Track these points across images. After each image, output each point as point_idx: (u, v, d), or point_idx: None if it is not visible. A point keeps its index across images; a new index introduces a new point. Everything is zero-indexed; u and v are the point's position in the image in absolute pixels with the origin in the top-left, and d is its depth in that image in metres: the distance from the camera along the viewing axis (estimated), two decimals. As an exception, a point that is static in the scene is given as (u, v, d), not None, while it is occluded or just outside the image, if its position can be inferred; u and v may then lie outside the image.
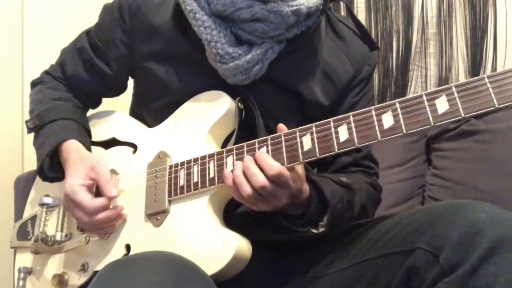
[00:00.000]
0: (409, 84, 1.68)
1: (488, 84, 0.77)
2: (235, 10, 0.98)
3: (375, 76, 1.70)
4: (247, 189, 0.88)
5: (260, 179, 0.87)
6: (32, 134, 1.16)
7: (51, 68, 1.25)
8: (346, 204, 0.99)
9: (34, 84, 1.25)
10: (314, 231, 0.96)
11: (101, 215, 1.01)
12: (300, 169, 0.92)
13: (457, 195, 1.45)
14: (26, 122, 1.16)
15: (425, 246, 0.81)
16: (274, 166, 0.87)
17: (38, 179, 1.25)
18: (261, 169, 0.88)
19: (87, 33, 1.20)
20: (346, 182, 1.02)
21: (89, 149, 1.12)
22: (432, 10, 1.66)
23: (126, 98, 1.25)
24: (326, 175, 1.04)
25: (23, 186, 1.43)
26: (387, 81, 1.70)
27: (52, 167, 1.12)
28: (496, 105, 0.76)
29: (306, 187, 0.94)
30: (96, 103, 1.25)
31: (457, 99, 0.79)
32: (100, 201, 1.01)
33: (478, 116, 1.46)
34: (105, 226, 1.03)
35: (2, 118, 1.67)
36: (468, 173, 1.45)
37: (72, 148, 1.09)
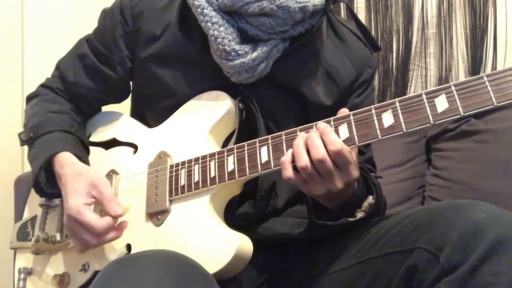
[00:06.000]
0: (409, 84, 1.68)
1: (487, 83, 0.77)
2: (243, 4, 0.98)
3: (375, 76, 1.70)
4: (304, 159, 0.85)
5: (321, 152, 0.84)
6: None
7: (48, 81, 1.22)
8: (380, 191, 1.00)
9: (29, 98, 1.22)
10: (351, 219, 0.95)
11: (110, 235, 0.98)
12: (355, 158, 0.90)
13: (457, 195, 1.44)
14: (19, 134, 1.12)
15: (426, 246, 0.81)
16: (337, 143, 0.84)
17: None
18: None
19: (87, 40, 1.18)
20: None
21: (85, 163, 1.08)
22: (432, 10, 1.66)
23: (125, 101, 1.24)
24: None
25: (23, 186, 1.43)
26: (387, 81, 1.70)
27: (48, 181, 1.08)
28: (495, 104, 0.77)
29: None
30: (97, 112, 1.22)
31: (457, 98, 0.79)
32: (108, 220, 0.97)
33: (478, 115, 1.48)
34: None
35: (2, 119, 1.67)
36: (468, 173, 1.45)
37: (66, 162, 1.04)
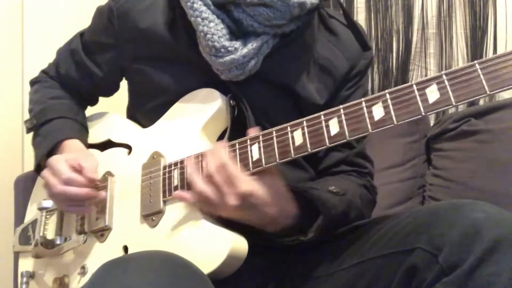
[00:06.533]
0: (409, 84, 1.68)
1: (479, 70, 0.76)
2: None
3: (375, 76, 1.70)
4: (199, 185, 0.91)
5: (210, 168, 0.90)
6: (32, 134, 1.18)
7: (48, 67, 1.28)
8: (340, 212, 0.99)
9: (32, 83, 1.28)
10: (302, 238, 0.97)
11: (73, 189, 1.01)
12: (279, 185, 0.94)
13: (457, 195, 1.44)
14: (25, 122, 1.19)
15: (425, 246, 0.80)
16: (221, 158, 0.90)
17: (39, 182, 1.25)
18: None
19: (81, 34, 1.22)
20: (337, 191, 1.01)
21: (85, 146, 1.15)
22: (432, 10, 1.65)
23: (123, 99, 1.25)
24: (314, 185, 1.03)
25: (23, 187, 1.43)
26: (387, 81, 1.70)
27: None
28: (488, 92, 0.75)
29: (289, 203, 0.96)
30: (92, 102, 1.28)
31: (448, 88, 0.77)
32: (77, 176, 1.01)
33: (478, 115, 1.47)
34: (75, 203, 1.04)
35: (2, 118, 1.67)
36: (468, 173, 1.45)
37: (71, 146, 1.11)
